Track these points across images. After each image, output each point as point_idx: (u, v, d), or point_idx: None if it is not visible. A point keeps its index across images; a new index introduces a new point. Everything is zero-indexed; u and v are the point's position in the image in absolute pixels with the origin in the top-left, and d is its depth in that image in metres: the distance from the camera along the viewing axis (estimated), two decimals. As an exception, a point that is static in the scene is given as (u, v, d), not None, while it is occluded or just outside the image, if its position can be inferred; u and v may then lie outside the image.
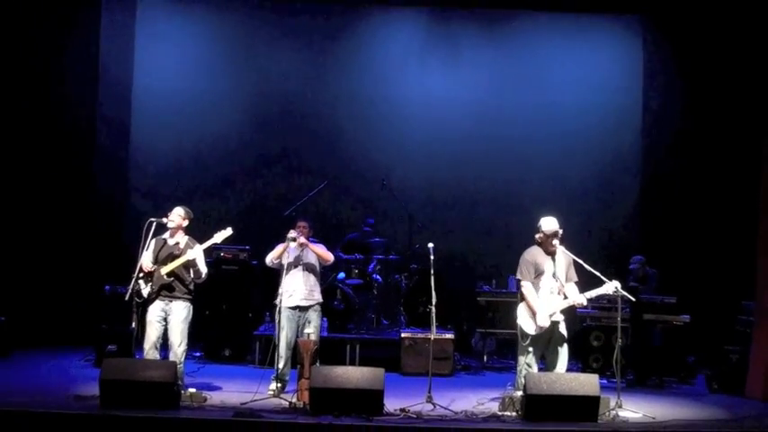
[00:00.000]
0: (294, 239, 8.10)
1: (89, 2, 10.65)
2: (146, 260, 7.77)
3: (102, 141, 10.96)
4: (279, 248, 8.18)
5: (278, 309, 8.07)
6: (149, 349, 7.85)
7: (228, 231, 7.82)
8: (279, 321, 8.08)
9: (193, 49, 11.35)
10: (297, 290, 8.14)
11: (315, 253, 8.22)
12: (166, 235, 7.90)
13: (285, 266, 8.12)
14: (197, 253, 7.74)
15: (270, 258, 8.21)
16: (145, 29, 11.27)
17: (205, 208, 7.93)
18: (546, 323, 7.59)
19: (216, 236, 7.81)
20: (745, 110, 9.28)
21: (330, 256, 8.36)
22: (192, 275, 7.88)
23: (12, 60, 9.76)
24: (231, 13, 11.23)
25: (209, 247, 7.85)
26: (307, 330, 8.09)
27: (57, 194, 10.39)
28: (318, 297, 8.27)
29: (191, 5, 11.13)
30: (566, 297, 7.66)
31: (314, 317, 8.17)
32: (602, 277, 7.59)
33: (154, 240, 7.80)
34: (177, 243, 7.86)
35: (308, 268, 8.19)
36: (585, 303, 7.77)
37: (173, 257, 7.79)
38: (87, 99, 10.78)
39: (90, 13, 10.70)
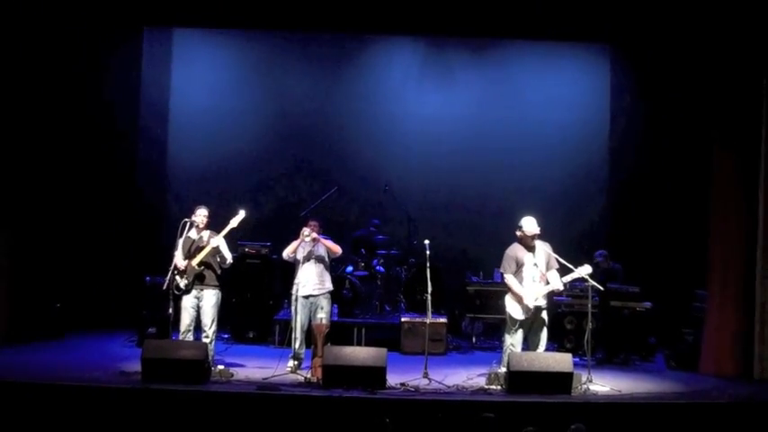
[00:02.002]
0: (307, 235, 8.10)
1: (132, 33, 10.63)
2: (178, 259, 7.80)
3: (143, 156, 10.96)
4: (293, 244, 8.18)
5: (294, 297, 8.08)
6: (184, 332, 7.88)
7: (242, 214, 7.84)
8: (295, 308, 8.09)
9: (222, 73, 11.33)
10: (309, 281, 8.13)
11: (325, 246, 8.21)
12: (192, 232, 7.94)
13: (299, 260, 8.12)
14: (219, 240, 7.81)
15: (286, 253, 8.21)
16: (180, 55, 11.27)
17: (232, 211, 7.91)
18: (533, 304, 7.60)
19: (231, 221, 7.84)
20: (697, 125, 9.25)
21: (338, 249, 8.35)
22: (219, 262, 7.86)
23: (65, 86, 9.79)
24: (255, 42, 11.20)
25: (228, 233, 7.86)
26: (319, 315, 8.10)
27: (106, 201, 10.39)
28: (329, 286, 8.25)
29: (219, 35, 11.11)
30: (547, 283, 7.69)
31: (325, 303, 8.15)
32: (573, 267, 7.63)
33: (182, 240, 7.81)
34: (201, 237, 7.93)
35: (319, 260, 8.18)
36: (562, 288, 7.78)
37: (200, 249, 7.84)
38: (130, 118, 10.76)
39: (133, 42, 10.67)
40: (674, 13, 8.67)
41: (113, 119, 10.51)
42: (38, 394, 6.77)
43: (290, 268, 8.33)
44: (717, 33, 8.62)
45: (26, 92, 9.14)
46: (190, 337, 7.87)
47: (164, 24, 10.62)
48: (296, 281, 8.07)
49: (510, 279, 7.70)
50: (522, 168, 11.08)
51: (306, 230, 8.10)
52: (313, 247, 8.18)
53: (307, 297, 8.12)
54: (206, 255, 7.83)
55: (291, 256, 8.18)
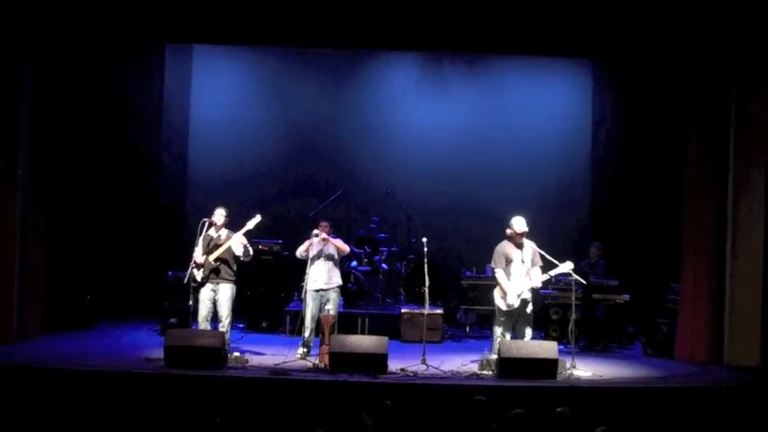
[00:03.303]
0: (317, 235, 8.11)
1: (156, 49, 10.67)
2: (197, 254, 7.82)
3: (165, 163, 10.99)
4: (305, 244, 8.19)
5: (305, 290, 8.09)
6: (202, 322, 7.89)
7: (257, 218, 7.86)
8: (305, 300, 8.10)
9: (237, 88, 11.31)
10: (320, 276, 8.14)
11: (334, 245, 8.22)
12: (211, 231, 7.95)
13: (310, 258, 8.13)
14: (239, 238, 7.78)
15: (299, 252, 8.23)
16: (199, 71, 11.23)
17: (247, 214, 7.95)
18: (515, 301, 7.60)
19: (248, 223, 7.86)
20: (674, 131, 9.25)
21: (347, 248, 8.37)
22: (235, 258, 7.88)
23: (96, 101, 9.90)
24: (268, 59, 11.16)
25: (247, 232, 7.86)
26: (327, 307, 8.11)
27: (131, 205, 10.42)
28: (337, 281, 8.26)
29: (235, 52, 11.07)
30: (531, 279, 7.68)
31: (333, 296, 8.17)
32: (557, 262, 7.64)
33: (202, 237, 7.83)
34: (219, 235, 7.93)
35: (329, 258, 8.19)
36: (540, 285, 7.78)
37: (217, 246, 7.85)
38: (154, 128, 10.77)
39: (157, 58, 10.71)
40: (651, 31, 8.69)
41: (139, 130, 10.54)
42: (70, 379, 6.79)
43: (301, 264, 8.32)
44: (690, 48, 8.63)
45: (66, 104, 9.20)
46: (208, 326, 7.88)
47: (185, 41, 10.62)
48: (307, 276, 8.09)
49: (500, 274, 7.70)
50: (511, 173, 11.06)
51: (316, 231, 8.13)
52: (323, 245, 8.18)
53: (317, 291, 8.13)
54: (223, 251, 7.84)
55: (304, 254, 8.19)
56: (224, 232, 7.94)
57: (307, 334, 8.08)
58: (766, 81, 8.33)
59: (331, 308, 8.10)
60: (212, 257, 7.83)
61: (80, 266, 9.68)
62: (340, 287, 8.35)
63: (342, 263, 8.60)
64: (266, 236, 9.95)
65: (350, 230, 10.56)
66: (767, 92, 8.33)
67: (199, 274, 7.83)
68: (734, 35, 8.35)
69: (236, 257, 7.92)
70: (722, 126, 8.48)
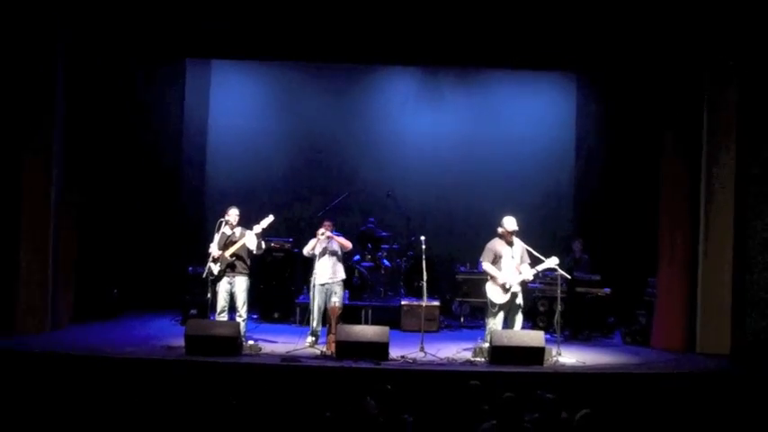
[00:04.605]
0: (322, 233, 8.13)
1: (177, 65, 10.71)
2: (214, 249, 7.85)
3: (186, 173, 11.01)
4: (312, 242, 8.22)
5: (312, 284, 8.11)
6: (219, 312, 7.91)
7: (270, 218, 7.89)
8: (312, 294, 8.13)
9: (251, 99, 11.28)
10: (325, 271, 8.17)
11: (337, 242, 8.24)
12: (226, 228, 7.97)
13: (317, 254, 8.15)
14: (251, 236, 7.80)
15: (306, 250, 8.28)
16: (217, 85, 11.23)
17: (260, 214, 7.98)
18: (509, 284, 7.58)
19: (262, 222, 7.88)
20: (651, 140, 9.25)
21: (349, 244, 8.39)
22: (249, 254, 7.90)
23: (124, 110, 9.97)
24: (280, 73, 11.12)
25: (260, 231, 7.89)
26: (333, 299, 8.13)
27: (154, 206, 10.45)
28: (341, 275, 8.28)
29: (250, 66, 11.07)
30: (520, 273, 7.70)
31: (337, 290, 8.19)
32: (544, 258, 7.67)
33: (218, 235, 7.86)
34: (234, 233, 7.95)
35: (333, 254, 8.22)
36: (533, 277, 7.80)
37: (232, 243, 7.88)
38: (176, 136, 10.80)
39: (177, 75, 10.76)
40: (629, 48, 8.75)
41: (163, 137, 10.58)
42: (99, 365, 6.82)
43: (308, 260, 8.37)
44: (665, 62, 8.65)
45: (96, 113, 9.25)
46: (225, 317, 7.90)
47: (205, 56, 10.63)
48: (314, 271, 8.12)
49: (487, 266, 7.73)
50: (502, 176, 11.05)
51: (321, 230, 8.15)
52: (327, 243, 8.21)
53: (323, 285, 8.15)
54: (237, 248, 7.87)
55: (311, 252, 8.22)
56: (238, 230, 7.97)
57: (315, 324, 8.10)
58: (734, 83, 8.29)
59: (337, 300, 8.12)
60: (228, 253, 7.86)
61: (107, 262, 9.71)
62: (344, 281, 8.36)
63: (345, 259, 8.62)
64: (278, 235, 9.96)
65: (354, 230, 10.54)
66: (730, 93, 8.28)
67: (216, 268, 7.86)
68: (703, 46, 8.36)
69: (250, 252, 7.95)
70: (695, 123, 8.45)
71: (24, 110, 8.21)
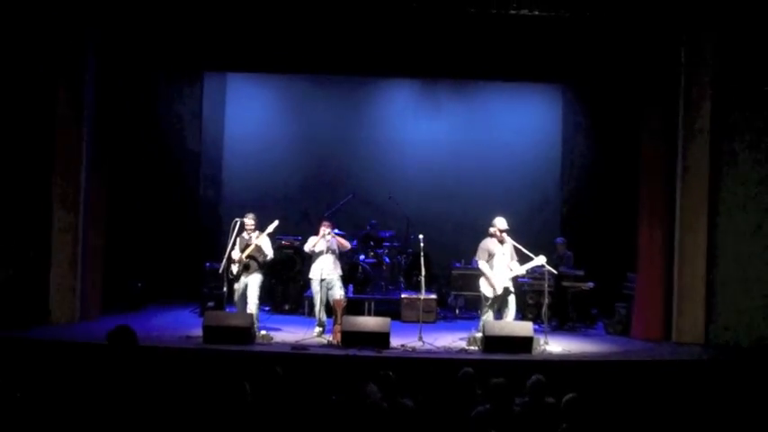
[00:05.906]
0: (329, 232, 8.14)
1: (195, 79, 10.75)
2: (235, 253, 7.89)
3: (204, 176, 11.01)
4: (313, 240, 8.24)
5: (312, 279, 8.15)
6: (236, 304, 7.92)
7: (275, 223, 7.91)
8: (314, 288, 8.15)
9: (264, 109, 11.28)
10: (324, 267, 8.17)
11: (337, 241, 8.26)
12: (243, 233, 7.99)
13: (318, 251, 8.17)
14: (265, 239, 7.82)
15: (307, 247, 8.30)
16: (233, 94, 11.25)
17: (271, 216, 8.00)
18: (501, 286, 7.61)
19: (269, 228, 7.89)
20: (631, 147, 9.24)
21: (348, 244, 8.44)
22: (261, 254, 7.92)
23: (147, 119, 10.07)
24: (291, 83, 11.09)
25: (270, 234, 7.94)
26: (337, 293, 8.14)
27: (175, 209, 10.51)
28: (339, 271, 8.30)
29: (262, 77, 11.07)
30: (511, 270, 7.69)
31: (337, 283, 8.21)
32: (533, 256, 7.66)
33: (239, 239, 7.90)
34: (251, 236, 7.97)
35: (332, 252, 8.23)
36: (524, 273, 7.81)
37: (248, 246, 7.89)
38: (194, 146, 10.82)
39: (195, 87, 10.79)
40: (609, 62, 8.78)
41: (181, 149, 10.66)
42: (129, 354, 6.76)
43: (311, 256, 8.36)
44: (641, 74, 8.67)
45: (121, 120, 9.25)
46: (240, 309, 7.91)
47: (221, 69, 10.65)
48: (315, 267, 8.15)
49: (483, 265, 7.72)
50: (494, 180, 11.05)
51: (327, 230, 8.17)
52: (328, 241, 8.22)
53: (323, 280, 8.16)
54: (252, 251, 7.89)
55: (311, 249, 8.23)
56: (255, 234, 8.01)
57: (321, 316, 8.11)
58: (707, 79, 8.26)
59: (340, 293, 8.13)
60: (245, 254, 7.92)
61: (133, 260, 9.74)
62: (348, 275, 8.39)
63: (351, 256, 8.62)
64: (288, 233, 9.96)
65: (358, 230, 10.53)
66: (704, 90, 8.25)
67: (235, 269, 7.91)
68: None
69: (263, 253, 7.96)
70: (671, 120, 8.43)
71: (52, 112, 8.22)
